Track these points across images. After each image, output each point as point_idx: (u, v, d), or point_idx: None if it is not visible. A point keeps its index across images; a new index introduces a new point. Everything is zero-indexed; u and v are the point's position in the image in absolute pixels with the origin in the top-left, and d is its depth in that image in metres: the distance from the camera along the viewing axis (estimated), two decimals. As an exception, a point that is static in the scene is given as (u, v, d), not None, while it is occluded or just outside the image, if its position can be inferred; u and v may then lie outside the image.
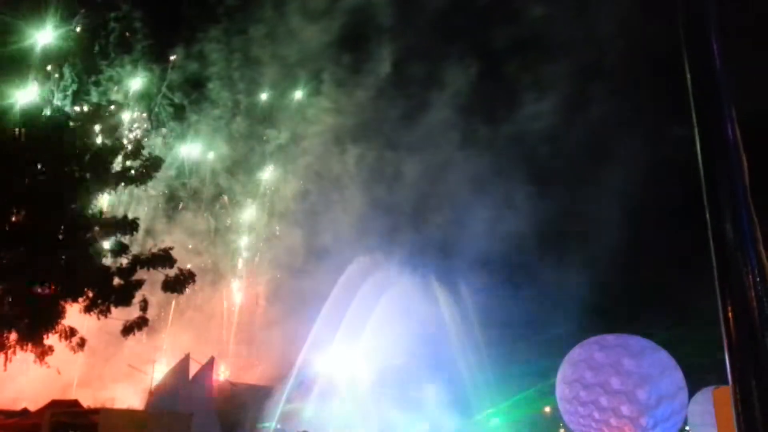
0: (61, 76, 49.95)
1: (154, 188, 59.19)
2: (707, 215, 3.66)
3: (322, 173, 65.78)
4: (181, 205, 65.34)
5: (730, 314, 3.48)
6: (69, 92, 53.01)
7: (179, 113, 65.53)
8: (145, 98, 63.16)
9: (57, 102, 47.77)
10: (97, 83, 58.39)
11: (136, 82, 62.30)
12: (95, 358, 40.76)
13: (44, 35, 32.58)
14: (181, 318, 59.16)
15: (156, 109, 64.27)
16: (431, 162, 63.44)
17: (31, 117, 21.63)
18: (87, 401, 32.49)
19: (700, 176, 3.76)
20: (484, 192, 59.18)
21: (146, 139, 61.87)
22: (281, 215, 68.34)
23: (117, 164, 23.02)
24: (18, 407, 31.68)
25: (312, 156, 66.11)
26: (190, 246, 61.41)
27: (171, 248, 23.22)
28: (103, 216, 22.54)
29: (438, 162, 63.42)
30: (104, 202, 41.06)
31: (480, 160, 59.93)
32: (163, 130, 65.02)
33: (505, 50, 65.72)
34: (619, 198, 57.42)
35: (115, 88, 60.16)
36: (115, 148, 22.66)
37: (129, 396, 42.54)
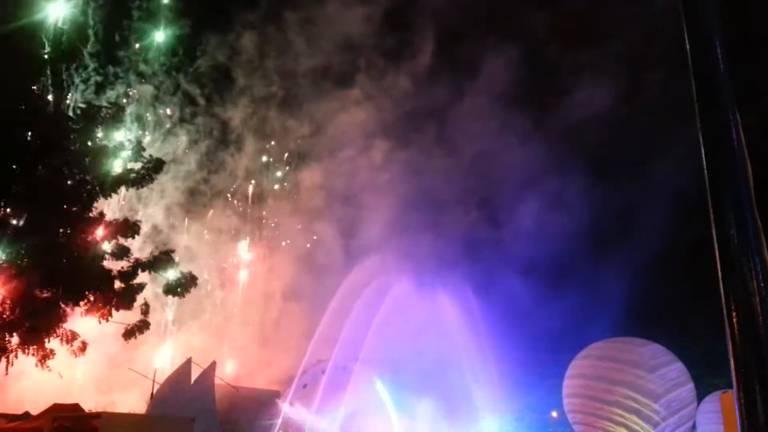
0: (78, 66, 49.62)
1: (174, 183, 58.95)
2: (711, 220, 3.64)
3: (351, 167, 64.98)
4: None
5: (734, 319, 3.46)
6: (91, 82, 52.71)
7: (204, 107, 65.00)
8: (168, 92, 62.68)
9: (76, 94, 47.85)
10: (116, 75, 58.01)
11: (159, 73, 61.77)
12: (97, 361, 40.75)
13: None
14: (188, 320, 59.10)
15: (177, 102, 63.69)
16: (469, 155, 62.49)
17: (33, 116, 21.68)
18: (88, 405, 32.47)
19: (705, 180, 3.73)
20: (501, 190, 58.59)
21: (171, 135, 61.83)
22: (301, 213, 67.96)
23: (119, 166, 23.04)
24: (20, 411, 31.66)
25: (341, 150, 65.23)
26: (207, 244, 61.26)
27: (173, 250, 23.24)
28: (105, 218, 22.52)
29: (474, 155, 62.46)
30: (120, 197, 40.73)
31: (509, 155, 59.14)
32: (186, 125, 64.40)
33: (553, 34, 64.10)
34: (665, 195, 55.60)
35: (134, 80, 59.81)
36: (116, 150, 22.64)
37: (130, 400, 42.53)
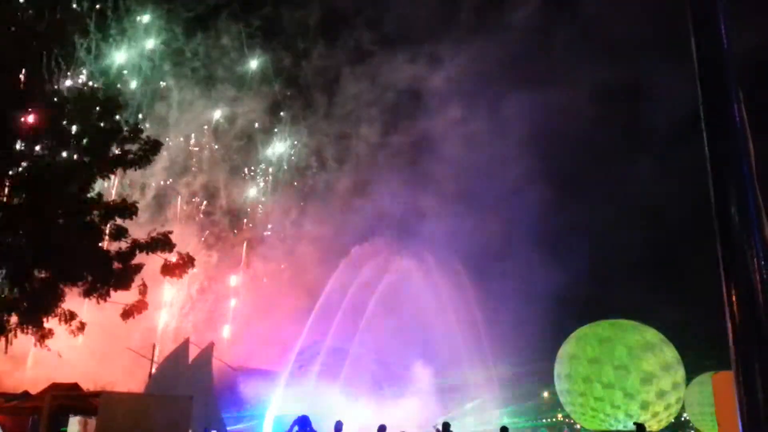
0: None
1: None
2: (712, 197, 3.63)
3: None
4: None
5: (734, 298, 3.45)
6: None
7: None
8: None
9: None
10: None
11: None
12: (95, 341, 40.91)
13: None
14: (185, 300, 59.11)
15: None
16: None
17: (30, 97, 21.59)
18: (87, 385, 32.61)
19: (706, 158, 3.72)
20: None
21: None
22: (302, 187, 67.18)
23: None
24: (18, 390, 31.79)
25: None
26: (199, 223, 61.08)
27: (170, 232, 23.24)
28: (102, 199, 22.52)
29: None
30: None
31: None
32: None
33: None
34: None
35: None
36: (114, 131, 22.60)
37: (129, 380, 42.75)
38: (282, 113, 67.06)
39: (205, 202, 64.18)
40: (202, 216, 63.98)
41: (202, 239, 61.35)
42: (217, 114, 62.57)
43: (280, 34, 65.41)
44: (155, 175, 56.87)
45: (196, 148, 63.56)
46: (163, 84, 60.53)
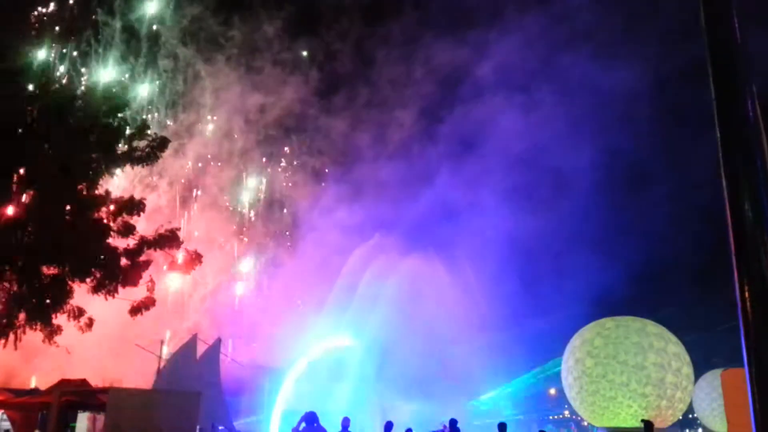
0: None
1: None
2: (725, 192, 3.59)
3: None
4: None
5: (747, 294, 3.41)
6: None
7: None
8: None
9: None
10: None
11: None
12: (104, 337, 41.09)
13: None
14: (192, 297, 59.09)
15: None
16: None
17: (40, 90, 21.68)
18: (96, 380, 32.78)
19: (718, 152, 3.68)
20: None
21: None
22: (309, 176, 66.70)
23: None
24: (27, 386, 32.01)
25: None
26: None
27: (178, 229, 23.32)
28: (110, 196, 22.58)
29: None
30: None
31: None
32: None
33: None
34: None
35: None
36: (122, 128, 22.66)
37: (137, 375, 42.93)
38: (316, 99, 66.30)
39: (232, 196, 63.92)
40: (228, 209, 63.53)
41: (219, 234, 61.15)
42: (251, 101, 61.57)
43: (318, 18, 64.47)
44: (183, 167, 56.60)
45: (227, 138, 62.81)
46: (196, 70, 60.02)
